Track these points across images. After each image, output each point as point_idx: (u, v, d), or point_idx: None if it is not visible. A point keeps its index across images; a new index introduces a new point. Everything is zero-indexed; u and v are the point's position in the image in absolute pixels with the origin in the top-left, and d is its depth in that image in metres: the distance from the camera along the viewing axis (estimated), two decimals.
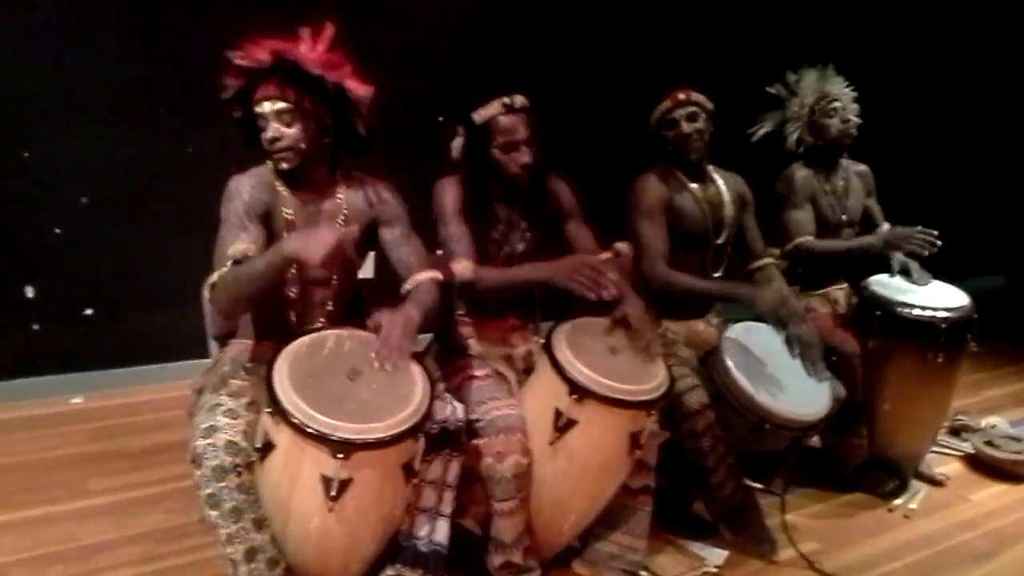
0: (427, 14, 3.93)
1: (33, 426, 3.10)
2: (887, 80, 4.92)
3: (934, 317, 2.89)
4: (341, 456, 1.74)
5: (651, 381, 2.17)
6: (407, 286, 2.15)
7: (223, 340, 2.28)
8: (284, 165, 2.04)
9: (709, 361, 2.56)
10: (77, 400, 3.24)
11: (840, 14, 5.04)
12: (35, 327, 3.28)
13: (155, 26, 3.09)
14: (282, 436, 1.79)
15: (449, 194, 2.35)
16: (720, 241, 2.77)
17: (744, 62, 4.27)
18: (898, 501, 3.01)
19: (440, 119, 3.48)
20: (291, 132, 2.01)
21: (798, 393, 2.48)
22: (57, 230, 3.24)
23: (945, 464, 3.37)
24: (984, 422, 3.63)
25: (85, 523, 2.51)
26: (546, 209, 2.49)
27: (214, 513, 1.83)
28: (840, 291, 3.23)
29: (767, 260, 2.90)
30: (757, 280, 2.89)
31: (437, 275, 2.18)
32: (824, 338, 2.91)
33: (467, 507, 2.22)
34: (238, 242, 1.93)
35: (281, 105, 1.99)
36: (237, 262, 1.89)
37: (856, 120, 3.16)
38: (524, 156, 2.30)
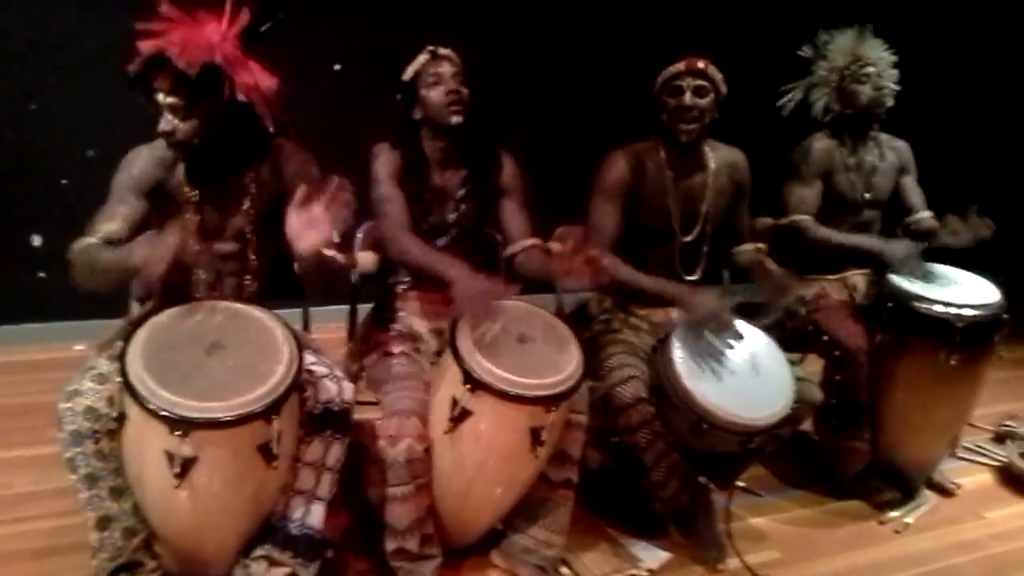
0: None
1: (35, 369, 3.24)
2: (938, 46, 4.48)
3: (949, 314, 2.57)
4: (179, 434, 1.68)
5: (555, 375, 2.01)
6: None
7: (144, 302, 2.26)
8: (181, 153, 1.97)
9: (659, 349, 2.35)
10: (79, 347, 3.34)
11: None
12: (41, 275, 3.43)
13: None
14: (132, 409, 1.75)
15: (382, 159, 2.29)
16: (689, 238, 2.53)
17: (776, 24, 3.95)
18: (894, 513, 2.74)
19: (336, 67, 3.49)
20: (183, 127, 1.90)
21: (749, 394, 2.23)
22: (64, 181, 3.36)
23: (972, 474, 3.04)
24: None
25: (26, 471, 2.57)
26: (488, 182, 2.37)
27: (72, 477, 1.82)
28: (860, 276, 2.91)
29: (748, 246, 2.66)
30: (741, 264, 2.66)
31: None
32: (830, 329, 2.69)
33: (366, 488, 2.14)
34: (113, 220, 1.91)
35: (172, 100, 1.88)
36: (108, 242, 1.86)
37: (892, 88, 2.83)
38: (450, 84, 2.23)
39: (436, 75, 2.25)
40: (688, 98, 2.39)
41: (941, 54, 4.65)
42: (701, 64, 2.42)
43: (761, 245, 2.68)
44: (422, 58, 2.28)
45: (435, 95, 2.24)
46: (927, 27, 4.53)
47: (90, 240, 1.87)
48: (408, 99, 2.30)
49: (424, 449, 2.05)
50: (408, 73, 2.28)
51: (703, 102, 2.41)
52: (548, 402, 1.99)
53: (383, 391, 2.14)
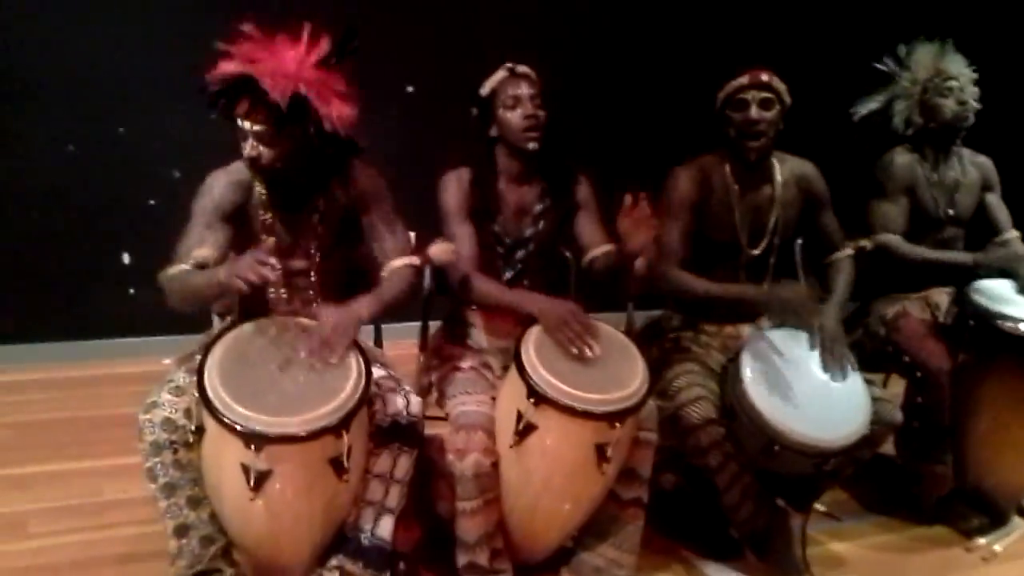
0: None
1: (123, 382, 3.37)
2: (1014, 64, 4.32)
3: None
4: (253, 448, 1.72)
5: (619, 391, 1.99)
6: (383, 273, 2.14)
7: (224, 317, 2.33)
8: (262, 178, 2.04)
9: (729, 368, 2.31)
10: (167, 361, 3.44)
11: None
12: (131, 291, 3.57)
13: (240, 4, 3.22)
14: (209, 422, 1.81)
15: (451, 191, 2.32)
16: (757, 252, 2.50)
17: (852, 36, 3.91)
18: (981, 540, 2.63)
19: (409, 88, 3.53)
20: (268, 153, 1.96)
21: (823, 414, 2.18)
22: (151, 201, 3.50)
23: None
24: None
25: (115, 480, 2.68)
26: (564, 197, 2.38)
27: (152, 486, 1.89)
28: (944, 295, 2.82)
29: (841, 254, 2.58)
30: (829, 277, 2.58)
31: (414, 260, 2.16)
32: (910, 349, 2.61)
33: (435, 502, 2.16)
34: (203, 246, 1.99)
35: (259, 127, 1.93)
36: (199, 266, 1.95)
37: (974, 104, 2.76)
38: (528, 108, 2.23)
39: (515, 97, 2.24)
40: (754, 111, 2.36)
41: (1020, 70, 4.51)
42: (765, 76, 2.39)
43: (851, 252, 2.60)
44: (500, 75, 2.29)
45: (513, 118, 2.24)
46: (1006, 43, 4.40)
47: (183, 266, 1.96)
48: (484, 115, 2.31)
49: (491, 463, 2.06)
50: (485, 88, 2.29)
51: (769, 115, 2.37)
52: (612, 418, 1.97)
53: (450, 404, 2.16)
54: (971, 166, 2.87)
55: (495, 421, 2.11)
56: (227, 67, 1.91)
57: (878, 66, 2.86)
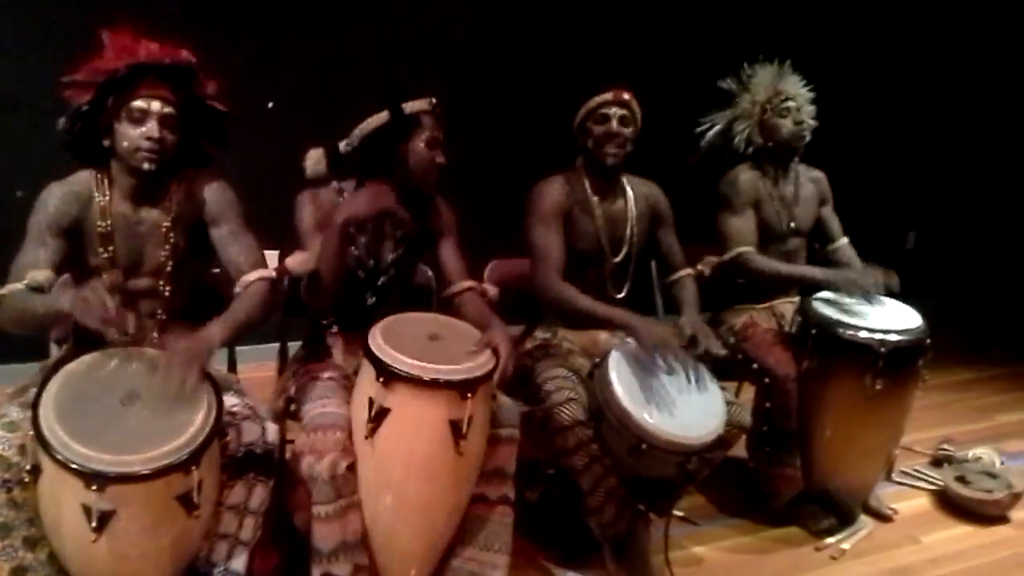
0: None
1: None
2: (850, 81, 4.70)
3: (872, 339, 2.62)
4: (95, 488, 1.65)
5: (467, 363, 2.03)
6: (237, 289, 2.10)
7: (62, 343, 2.23)
8: (146, 166, 1.98)
9: (596, 372, 2.38)
10: None
11: (800, 9, 4.77)
12: None
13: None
14: (46, 460, 1.72)
15: (308, 210, 2.28)
16: (618, 259, 2.63)
17: (697, 56, 4.10)
18: (830, 539, 2.78)
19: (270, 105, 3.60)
20: (171, 138, 1.99)
21: (684, 415, 2.27)
22: None
23: (910, 499, 3.10)
24: (971, 453, 3.32)
25: None
26: (427, 223, 2.40)
27: None
28: (789, 305, 2.97)
29: (682, 272, 2.72)
30: (675, 294, 2.71)
31: (269, 274, 2.13)
32: (758, 357, 2.74)
33: (293, 514, 2.09)
34: (39, 265, 1.93)
35: (169, 109, 1.96)
36: (33, 289, 1.88)
37: (811, 123, 2.93)
38: (443, 156, 2.27)
39: (435, 138, 2.27)
40: (615, 126, 2.51)
41: (855, 87, 4.86)
42: (626, 96, 2.55)
43: (691, 271, 2.76)
44: (424, 104, 2.28)
45: (430, 162, 2.27)
46: (842, 62, 4.71)
47: (17, 286, 1.90)
48: (398, 127, 2.26)
49: (348, 465, 2.02)
50: (408, 108, 2.26)
51: (627, 131, 2.53)
52: (463, 388, 1.99)
53: (305, 410, 2.12)
54: (807, 181, 3.04)
55: (351, 422, 2.08)
56: (110, 56, 1.93)
57: (721, 85, 3.00)
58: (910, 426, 2.89)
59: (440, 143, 2.29)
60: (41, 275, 1.92)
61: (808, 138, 2.93)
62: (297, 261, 2.17)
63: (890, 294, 2.81)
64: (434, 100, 2.30)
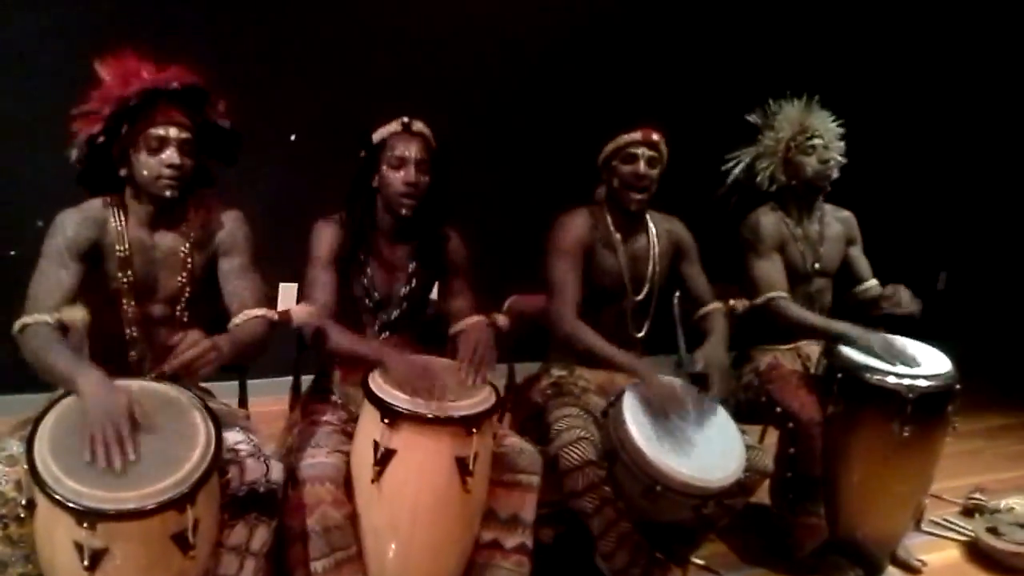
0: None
1: None
2: (882, 119, 4.62)
3: (900, 385, 2.53)
4: (86, 525, 1.60)
5: (470, 399, 2.02)
6: (235, 320, 2.07)
7: None
8: (168, 193, 1.97)
9: (610, 411, 2.31)
10: None
11: (835, 43, 4.71)
12: None
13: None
14: (40, 496, 1.67)
15: (323, 238, 2.27)
16: (639, 298, 2.56)
17: (727, 90, 4.02)
18: None
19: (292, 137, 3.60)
20: (188, 163, 1.98)
21: (704, 457, 2.20)
22: (12, 252, 3.30)
23: (940, 550, 2.98)
24: (1003, 503, 3.19)
25: None
26: (437, 258, 2.37)
27: None
28: (815, 346, 2.88)
29: (712, 307, 2.64)
30: (703, 327, 2.62)
31: (271, 314, 2.09)
32: (783, 400, 2.65)
33: (293, 570, 2.03)
34: (63, 292, 1.91)
35: (186, 135, 1.96)
36: (63, 327, 1.86)
37: (838, 160, 2.84)
38: (411, 175, 2.19)
39: (401, 158, 2.21)
40: (642, 167, 2.44)
41: (888, 125, 4.77)
42: (656, 136, 2.48)
43: (722, 306, 2.67)
44: (393, 127, 2.23)
45: (394, 180, 2.22)
46: (875, 99, 4.63)
47: (44, 319, 1.86)
48: (370, 163, 2.25)
49: (344, 515, 1.98)
50: (376, 136, 2.24)
51: (653, 172, 2.46)
52: (467, 423, 1.96)
53: (299, 459, 2.06)
54: (834, 220, 2.97)
55: (343, 472, 2.05)
56: (120, 85, 1.92)
57: (749, 119, 2.94)
58: (940, 474, 2.79)
59: (408, 161, 2.20)
60: (77, 313, 1.89)
61: (834, 176, 2.85)
62: (302, 314, 2.15)
63: (919, 335, 2.71)
64: (406, 119, 2.23)
